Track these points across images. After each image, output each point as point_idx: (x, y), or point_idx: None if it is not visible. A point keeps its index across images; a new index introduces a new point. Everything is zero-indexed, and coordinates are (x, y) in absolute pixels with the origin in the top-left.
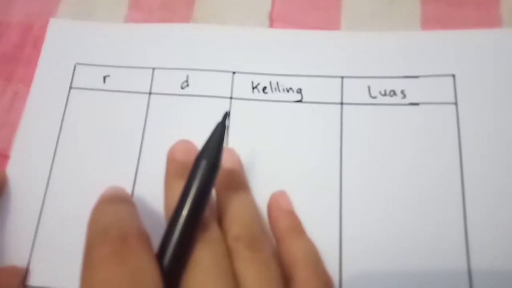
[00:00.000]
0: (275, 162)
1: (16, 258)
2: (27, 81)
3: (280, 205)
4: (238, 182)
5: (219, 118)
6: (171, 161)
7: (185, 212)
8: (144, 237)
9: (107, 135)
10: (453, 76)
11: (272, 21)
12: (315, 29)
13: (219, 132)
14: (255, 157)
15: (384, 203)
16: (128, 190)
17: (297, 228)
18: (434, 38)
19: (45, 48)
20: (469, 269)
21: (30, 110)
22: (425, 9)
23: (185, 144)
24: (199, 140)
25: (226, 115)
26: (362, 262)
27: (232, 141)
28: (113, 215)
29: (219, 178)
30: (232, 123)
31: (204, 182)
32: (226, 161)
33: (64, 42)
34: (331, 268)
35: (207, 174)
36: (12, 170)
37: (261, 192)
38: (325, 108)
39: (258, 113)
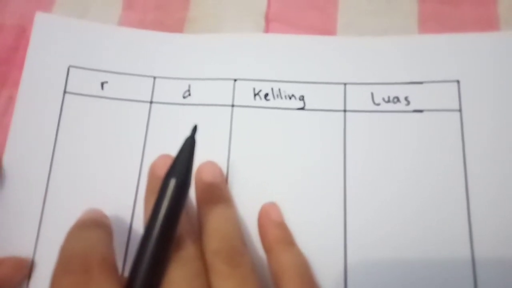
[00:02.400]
0: (278, 171)
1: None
2: None
3: (270, 216)
4: (218, 196)
5: (220, 127)
6: (151, 177)
7: (155, 233)
8: (108, 265)
9: (107, 144)
10: (458, 82)
11: (268, 21)
12: (312, 28)
13: (188, 147)
14: (257, 165)
15: (388, 211)
16: (130, 202)
17: (287, 240)
18: (438, 42)
19: (32, 45)
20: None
21: (20, 113)
22: (422, 7)
23: (166, 159)
24: (203, 149)
25: (195, 129)
26: (366, 260)
27: (234, 149)
28: (81, 243)
29: (199, 192)
30: (234, 131)
31: (174, 201)
32: (206, 175)
33: (53, 41)
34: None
35: (176, 192)
36: (7, 179)
37: (263, 201)
38: (328, 116)
39: (260, 121)
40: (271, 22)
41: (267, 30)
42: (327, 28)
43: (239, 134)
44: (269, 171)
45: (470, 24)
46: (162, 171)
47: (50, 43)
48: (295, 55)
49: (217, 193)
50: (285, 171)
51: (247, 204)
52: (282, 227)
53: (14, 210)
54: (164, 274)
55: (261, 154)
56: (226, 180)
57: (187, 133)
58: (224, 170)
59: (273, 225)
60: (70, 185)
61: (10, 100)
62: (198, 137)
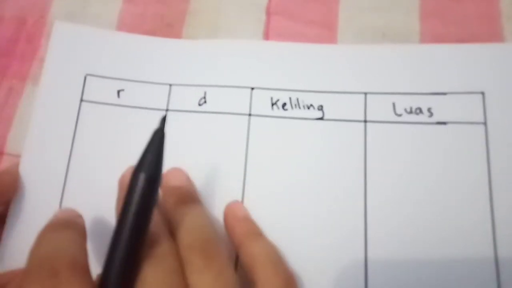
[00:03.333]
0: (296, 182)
1: None
2: (22, 77)
3: (235, 213)
4: (188, 197)
5: (237, 136)
6: (120, 188)
7: (126, 231)
8: (78, 267)
9: (122, 152)
10: (482, 93)
11: (269, 14)
12: (313, 22)
13: (157, 140)
14: (275, 177)
15: (410, 224)
16: None
17: (254, 231)
18: (463, 52)
19: (50, 54)
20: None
21: (38, 121)
22: (424, 2)
23: None
24: (219, 158)
25: (164, 120)
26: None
27: (251, 160)
28: (49, 245)
29: (167, 196)
30: (251, 141)
31: (144, 196)
32: (173, 179)
33: (71, 50)
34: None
35: (146, 187)
36: (23, 187)
37: (281, 212)
38: (348, 126)
39: (278, 131)
40: (272, 16)
41: (267, 23)
42: (328, 22)
43: (257, 144)
44: (287, 183)
45: (472, 20)
46: None
47: (68, 52)
48: (314, 64)
49: (186, 194)
50: (304, 183)
51: (264, 215)
52: (248, 221)
53: (29, 218)
54: (137, 273)
55: (279, 165)
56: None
57: (202, 140)
58: (241, 181)
59: (239, 220)
60: (86, 193)
61: (10, 92)
62: (214, 146)
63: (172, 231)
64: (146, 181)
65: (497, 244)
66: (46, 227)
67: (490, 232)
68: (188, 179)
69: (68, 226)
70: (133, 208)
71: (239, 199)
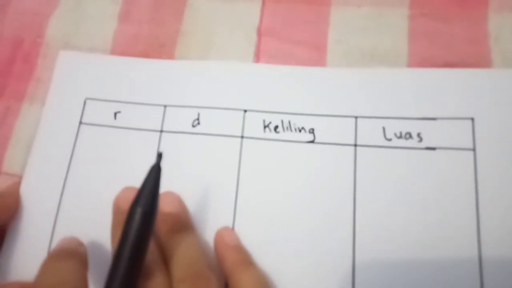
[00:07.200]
0: (287, 204)
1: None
2: (19, 96)
3: (225, 241)
4: (180, 225)
5: (229, 158)
6: (116, 211)
7: (122, 264)
8: None
9: (118, 173)
10: (472, 119)
11: (260, 35)
12: (303, 43)
13: (154, 175)
14: (266, 199)
15: (398, 248)
16: None
17: (245, 261)
18: (453, 78)
19: (55, 80)
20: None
21: (39, 142)
22: (413, 23)
23: (129, 192)
24: (211, 180)
25: (160, 156)
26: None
27: (243, 182)
28: (51, 276)
29: (161, 222)
30: (243, 163)
31: (140, 231)
32: (166, 205)
33: (74, 75)
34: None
35: (142, 222)
36: (22, 207)
37: (272, 234)
38: (338, 150)
39: (270, 154)
40: (263, 37)
41: (258, 44)
42: (318, 43)
43: (249, 166)
44: (278, 205)
45: (460, 41)
46: (126, 204)
47: (71, 78)
48: (306, 87)
49: (179, 222)
50: (294, 206)
51: (255, 237)
52: (239, 249)
53: (25, 238)
54: None
55: (270, 188)
56: (187, 210)
57: (196, 162)
58: (233, 202)
59: (229, 249)
60: (80, 214)
61: (7, 111)
62: (207, 167)
63: (165, 260)
64: (143, 215)
65: (483, 270)
66: (49, 257)
67: (477, 256)
68: (181, 204)
69: (71, 256)
70: (129, 242)
71: (231, 220)
